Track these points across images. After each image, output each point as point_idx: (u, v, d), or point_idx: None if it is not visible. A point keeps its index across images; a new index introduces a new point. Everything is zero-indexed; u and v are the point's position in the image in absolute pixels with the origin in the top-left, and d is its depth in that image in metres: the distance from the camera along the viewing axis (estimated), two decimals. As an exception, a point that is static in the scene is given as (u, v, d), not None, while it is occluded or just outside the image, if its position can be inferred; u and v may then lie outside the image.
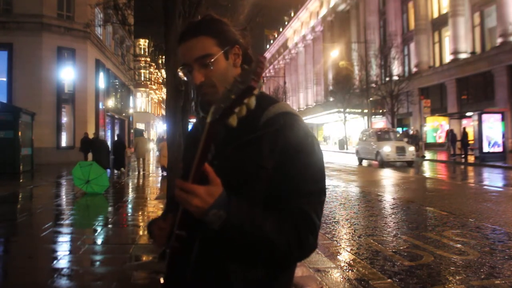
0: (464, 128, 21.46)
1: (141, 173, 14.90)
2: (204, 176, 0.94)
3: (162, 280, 1.10)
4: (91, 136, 18.51)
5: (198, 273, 1.02)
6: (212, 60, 1.05)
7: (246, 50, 1.15)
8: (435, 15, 31.13)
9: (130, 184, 12.31)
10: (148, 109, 55.95)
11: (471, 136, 20.05)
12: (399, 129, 32.96)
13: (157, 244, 1.13)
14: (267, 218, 0.97)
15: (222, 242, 0.97)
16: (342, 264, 4.23)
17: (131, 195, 10.01)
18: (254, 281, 1.01)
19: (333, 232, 5.64)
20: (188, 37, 1.07)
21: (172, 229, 1.05)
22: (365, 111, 32.29)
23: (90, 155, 17.96)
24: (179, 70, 1.12)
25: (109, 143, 20.23)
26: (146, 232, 5.24)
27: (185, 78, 1.12)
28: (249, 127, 1.01)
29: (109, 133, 30.01)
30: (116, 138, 18.49)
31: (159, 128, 59.48)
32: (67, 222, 6.70)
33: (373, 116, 34.75)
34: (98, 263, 4.54)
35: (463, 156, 20.48)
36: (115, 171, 15.63)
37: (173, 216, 1.06)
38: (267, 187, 1.01)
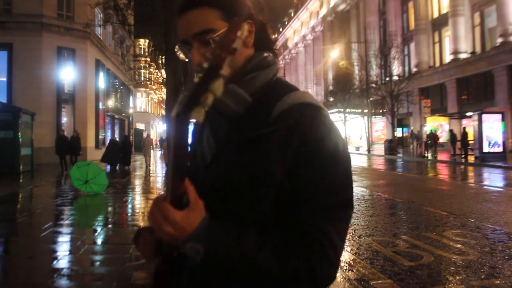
0: (464, 128, 21.48)
1: (148, 167, 17.28)
2: (183, 194, 0.75)
3: None
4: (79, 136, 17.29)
5: None
6: (214, 36, 0.85)
7: (264, 27, 0.95)
8: (435, 15, 31.14)
9: (132, 182, 12.32)
10: (148, 109, 55.92)
11: (471, 136, 20.07)
12: (399, 129, 33.04)
13: (145, 259, 0.93)
14: (266, 247, 0.77)
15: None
16: (342, 264, 4.23)
17: (132, 194, 10.00)
18: None
19: (333, 232, 5.63)
20: (189, 8, 0.88)
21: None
22: (365, 111, 32.32)
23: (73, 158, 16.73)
24: (177, 48, 0.93)
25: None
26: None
27: (186, 59, 0.93)
28: (259, 122, 0.83)
29: (109, 133, 30.01)
30: (124, 138, 20.48)
31: (159, 128, 59.48)
32: (67, 222, 6.69)
33: (373, 116, 34.79)
34: (98, 263, 4.54)
35: (463, 156, 20.48)
36: (125, 167, 18.04)
37: None
38: (276, 198, 0.81)
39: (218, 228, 0.77)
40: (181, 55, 0.92)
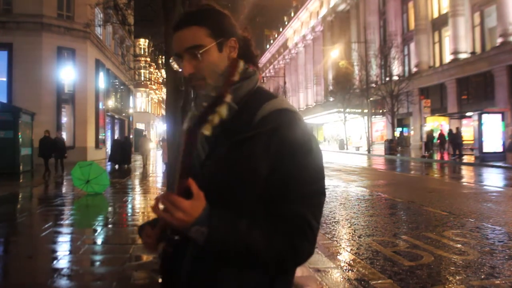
0: (457, 128, 21.47)
1: (146, 166, 18.26)
2: (187, 189, 0.93)
3: (160, 280, 1.10)
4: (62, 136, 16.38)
5: (192, 276, 1.00)
6: (201, 51, 1.02)
7: (247, 44, 1.11)
8: (435, 15, 31.13)
9: (132, 182, 12.32)
10: (148, 109, 55.85)
11: (470, 136, 20.08)
12: (398, 129, 33.02)
13: (148, 250, 1.12)
14: (255, 229, 0.94)
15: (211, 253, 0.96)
16: (342, 264, 4.23)
17: (132, 194, 10.00)
18: (249, 285, 0.98)
19: (333, 232, 5.64)
20: (182, 26, 1.05)
21: (165, 231, 1.04)
22: (365, 111, 32.31)
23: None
24: (171, 59, 1.10)
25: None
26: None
27: (180, 69, 1.10)
28: (243, 127, 0.98)
29: (109, 133, 30.01)
30: (124, 139, 21.43)
31: (159, 128, 59.45)
32: (67, 222, 6.69)
33: (373, 116, 34.78)
34: (98, 263, 4.54)
35: (458, 155, 20.50)
36: (125, 166, 19.21)
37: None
38: (261, 191, 0.97)
39: (217, 215, 0.94)
40: (175, 66, 1.10)
